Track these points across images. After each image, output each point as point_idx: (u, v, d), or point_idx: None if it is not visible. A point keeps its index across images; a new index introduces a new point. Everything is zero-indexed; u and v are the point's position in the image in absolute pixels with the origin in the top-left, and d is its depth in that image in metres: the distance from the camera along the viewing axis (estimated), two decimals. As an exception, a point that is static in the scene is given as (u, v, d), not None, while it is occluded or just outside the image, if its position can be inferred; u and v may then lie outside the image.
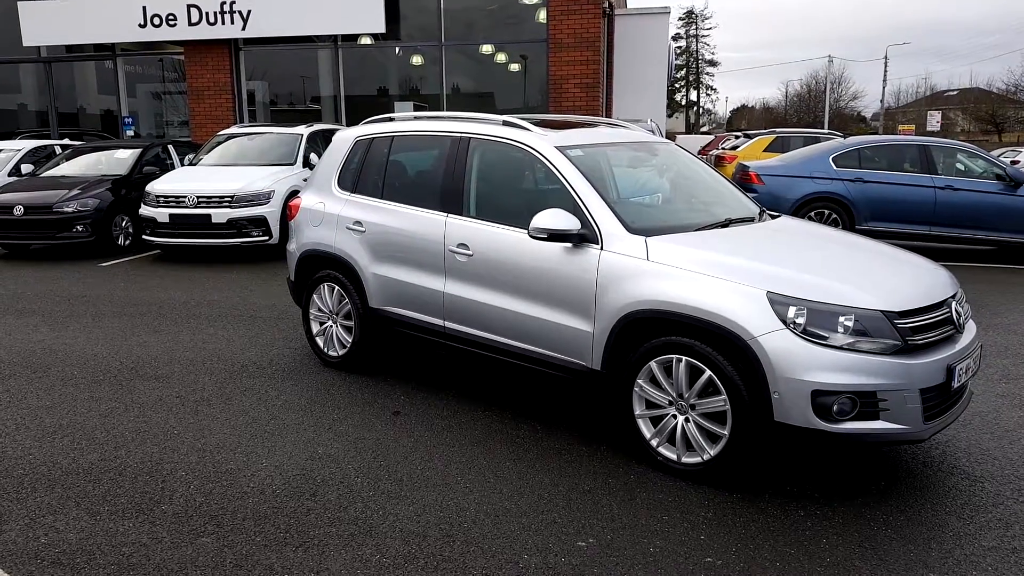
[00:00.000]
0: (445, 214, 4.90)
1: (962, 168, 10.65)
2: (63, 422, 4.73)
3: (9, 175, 12.50)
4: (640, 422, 4.06)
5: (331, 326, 5.73)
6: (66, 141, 14.40)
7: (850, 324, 3.52)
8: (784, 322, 3.55)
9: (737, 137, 23.64)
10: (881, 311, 3.56)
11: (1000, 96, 59.98)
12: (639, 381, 4.01)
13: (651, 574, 3.14)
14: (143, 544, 3.36)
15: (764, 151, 17.78)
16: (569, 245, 4.24)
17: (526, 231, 4.38)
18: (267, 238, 10.14)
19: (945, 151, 10.86)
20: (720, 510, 3.62)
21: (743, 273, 3.74)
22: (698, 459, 3.87)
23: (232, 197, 9.98)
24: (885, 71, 65.79)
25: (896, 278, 3.94)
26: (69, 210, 10.45)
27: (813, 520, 3.54)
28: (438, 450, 4.30)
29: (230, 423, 4.70)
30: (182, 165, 12.07)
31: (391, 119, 5.70)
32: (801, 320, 3.54)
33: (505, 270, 4.51)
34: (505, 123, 4.88)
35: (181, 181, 10.40)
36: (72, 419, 4.78)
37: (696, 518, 3.56)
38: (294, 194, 10.37)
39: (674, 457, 3.95)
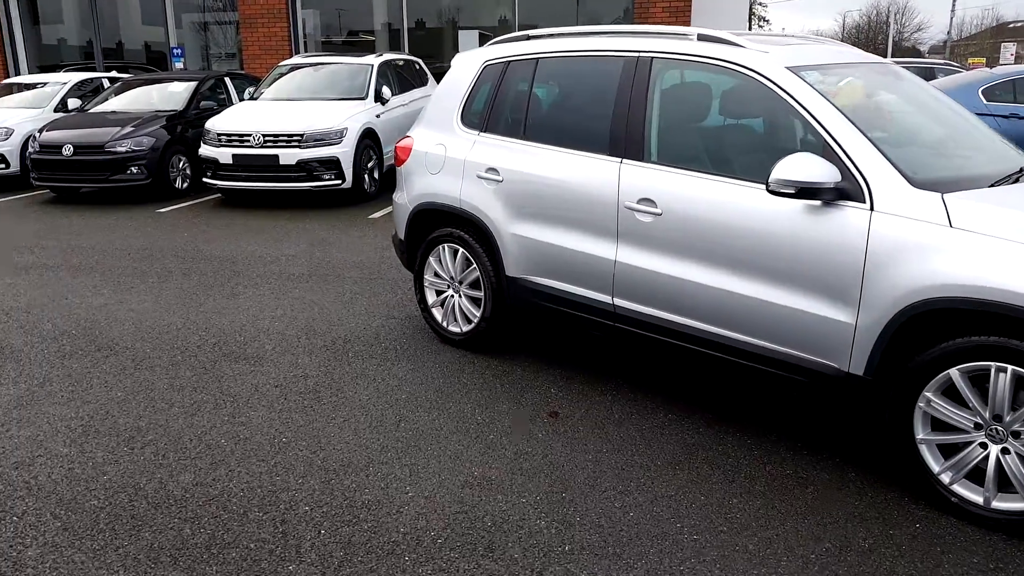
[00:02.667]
0: (618, 159, 3.76)
1: None
2: (141, 423, 3.78)
3: (55, 111, 11.54)
4: (924, 449, 2.96)
5: (452, 296, 4.68)
6: (114, 74, 13.38)
7: None
8: None
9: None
10: None
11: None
12: (927, 394, 2.90)
13: None
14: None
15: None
16: (817, 203, 3.09)
17: (744, 182, 3.26)
18: (340, 182, 9.08)
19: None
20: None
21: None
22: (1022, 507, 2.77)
23: (302, 136, 8.90)
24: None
25: None
26: (122, 149, 9.48)
27: None
28: (630, 475, 3.26)
29: (350, 426, 3.71)
30: (241, 100, 11.00)
31: (527, 37, 4.52)
32: None
33: (714, 235, 3.39)
34: (701, 37, 3.69)
35: (244, 118, 9.33)
36: (152, 418, 3.83)
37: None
38: (369, 133, 9.33)
39: (979, 501, 2.86)
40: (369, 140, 9.52)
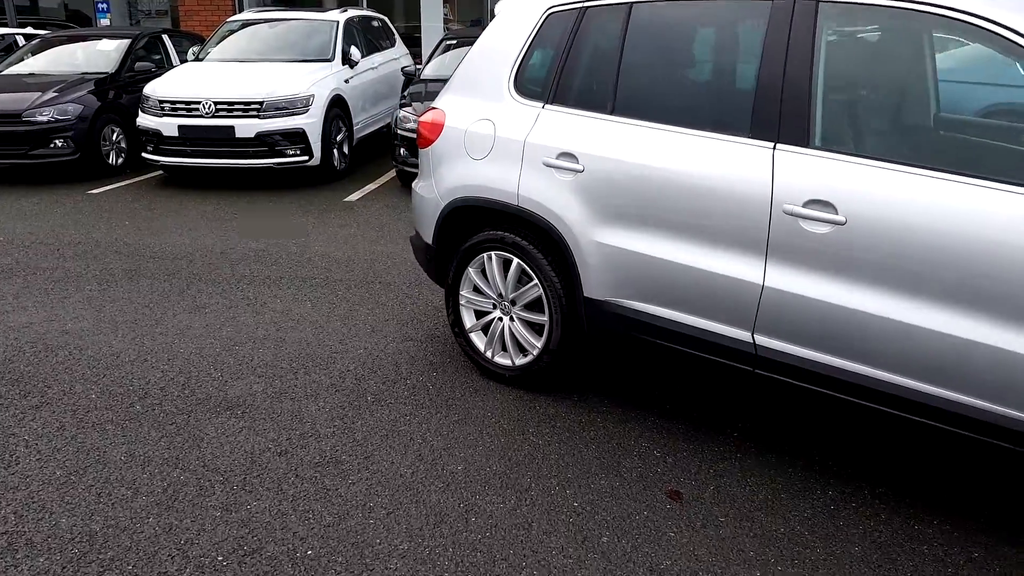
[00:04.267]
0: (768, 144, 2.72)
1: None
2: (94, 527, 2.61)
3: (-40, 73, 9.85)
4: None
5: (500, 320, 3.60)
6: (30, 30, 11.65)
7: None
8: None
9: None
10: None
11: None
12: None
13: None
14: None
15: None
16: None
17: (999, 184, 2.26)
18: (307, 158, 7.81)
19: None
20: None
21: None
22: None
23: (261, 104, 7.58)
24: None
25: None
26: (43, 119, 7.99)
27: None
28: (830, 605, 2.27)
29: (401, 525, 2.62)
30: (183, 61, 9.54)
31: (605, -23, 3.40)
32: None
33: (941, 260, 2.38)
34: (887, -24, 2.64)
35: (191, 82, 7.93)
36: (109, 517, 2.66)
37: None
38: (338, 101, 8.08)
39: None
40: (338, 109, 8.25)
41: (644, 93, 3.08)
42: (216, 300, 4.73)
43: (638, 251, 3.03)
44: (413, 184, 3.98)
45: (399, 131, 7.51)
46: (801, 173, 2.62)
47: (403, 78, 9.33)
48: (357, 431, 3.23)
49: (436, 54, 8.63)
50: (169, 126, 7.69)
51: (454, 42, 8.69)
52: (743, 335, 2.85)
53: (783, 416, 3.34)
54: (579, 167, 3.14)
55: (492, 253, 3.51)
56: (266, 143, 7.63)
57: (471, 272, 3.63)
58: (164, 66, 9.58)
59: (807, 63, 2.66)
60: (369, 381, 3.67)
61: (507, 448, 3.09)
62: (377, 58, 9.59)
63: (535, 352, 3.48)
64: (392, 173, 8.51)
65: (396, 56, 10.32)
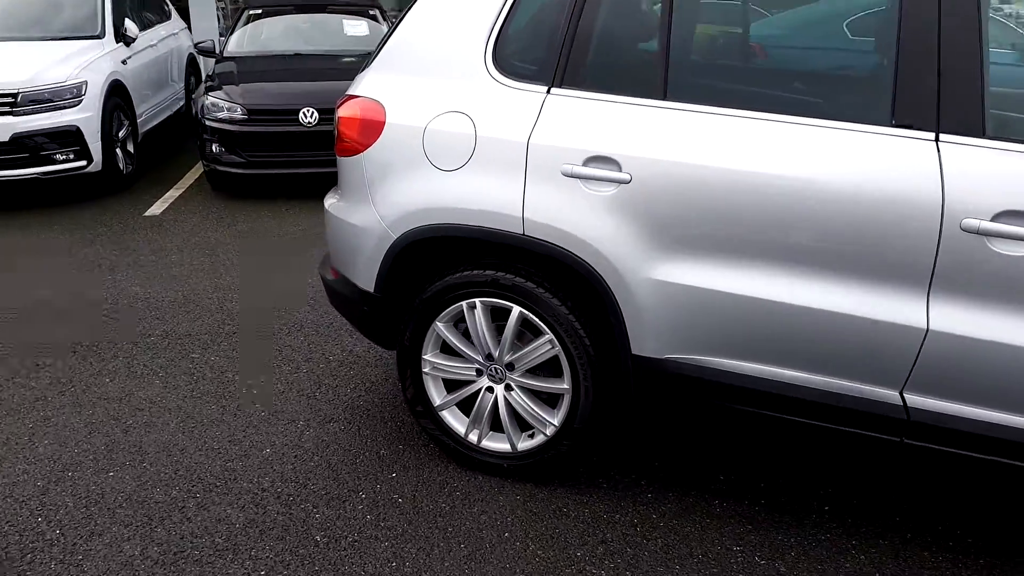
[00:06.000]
0: (928, 135, 1.94)
1: None
2: None
3: None
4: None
5: (490, 391, 2.56)
6: None
7: None
8: None
9: None
10: None
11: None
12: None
13: None
14: None
15: None
16: None
17: None
18: (84, 163, 6.03)
19: None
20: None
21: None
22: None
23: (15, 96, 5.71)
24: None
25: None
26: None
27: None
28: None
29: None
30: None
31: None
32: None
33: None
34: None
35: (-100, 70, 5.83)
36: None
37: None
38: (117, 88, 6.38)
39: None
40: (118, 98, 6.50)
41: (716, 67, 2.19)
42: (7, 393, 3.21)
43: (724, 290, 2.14)
44: (327, 204, 2.81)
45: (209, 122, 6.02)
46: (985, 174, 1.87)
47: (189, 57, 7.69)
48: (330, 608, 2.08)
49: (238, 26, 7.13)
50: None
51: (259, 12, 7.23)
52: (889, 396, 2.08)
53: (870, 476, 2.65)
54: (623, 176, 2.18)
55: (477, 300, 2.46)
56: (26, 147, 5.77)
57: (440, 328, 2.55)
58: None
59: (973, 18, 1.90)
60: (303, 505, 2.49)
61: (565, 595, 2.11)
62: (154, 35, 7.80)
63: (549, 432, 2.50)
64: (197, 173, 6.91)
65: (175, 31, 8.55)
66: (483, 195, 2.34)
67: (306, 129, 5.94)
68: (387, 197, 2.50)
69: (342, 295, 2.76)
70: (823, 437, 2.18)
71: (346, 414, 3.03)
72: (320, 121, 5.94)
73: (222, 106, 5.96)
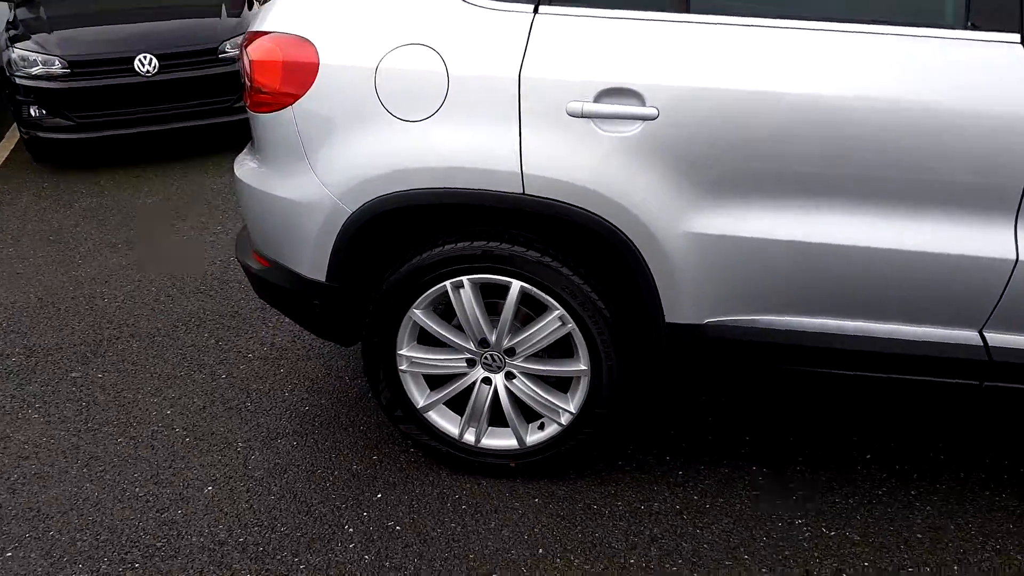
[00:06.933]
0: (1015, 37, 1.65)
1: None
2: None
3: None
4: None
5: (487, 382, 2.14)
6: None
7: None
8: None
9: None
10: None
11: None
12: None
13: None
14: None
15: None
16: None
17: None
18: None
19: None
20: None
21: None
22: None
23: None
24: None
25: None
26: None
27: None
28: None
29: None
30: None
31: None
32: None
33: None
34: None
35: None
36: None
37: None
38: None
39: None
40: None
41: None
42: None
43: (782, 238, 1.81)
44: (240, 174, 2.22)
45: (20, 80, 5.01)
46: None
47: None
48: None
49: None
50: None
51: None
52: (967, 336, 1.84)
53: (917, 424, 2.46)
54: (649, 111, 1.76)
55: (464, 279, 2.00)
56: None
57: (418, 316, 2.08)
58: None
59: None
60: (278, 556, 2.00)
61: (636, 618, 1.78)
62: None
63: (565, 421, 2.12)
64: (13, 142, 5.82)
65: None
66: (466, 149, 1.86)
67: (144, 79, 5.06)
68: (333, 161, 1.96)
69: (278, 287, 2.21)
70: (892, 389, 1.93)
71: (293, 425, 2.51)
72: (161, 69, 5.07)
73: (34, 59, 4.96)
